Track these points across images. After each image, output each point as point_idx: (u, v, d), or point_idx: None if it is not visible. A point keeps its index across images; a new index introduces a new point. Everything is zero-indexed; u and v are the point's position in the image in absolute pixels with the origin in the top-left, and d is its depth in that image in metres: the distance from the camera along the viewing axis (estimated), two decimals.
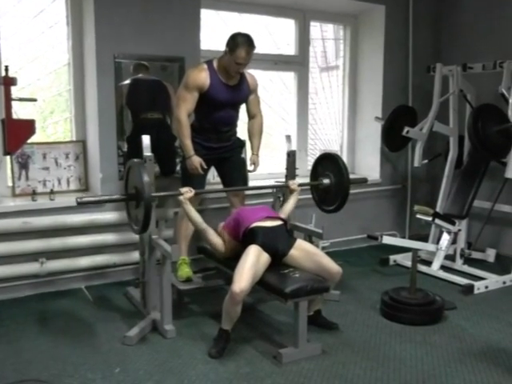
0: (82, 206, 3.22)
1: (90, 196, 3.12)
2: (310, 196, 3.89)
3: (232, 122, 3.76)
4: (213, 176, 4.31)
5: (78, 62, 4.06)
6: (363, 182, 4.14)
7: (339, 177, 3.61)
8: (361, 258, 4.88)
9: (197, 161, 3.56)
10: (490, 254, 4.69)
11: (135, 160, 3.12)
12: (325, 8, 5.01)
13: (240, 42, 3.45)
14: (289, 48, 5.03)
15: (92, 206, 3.92)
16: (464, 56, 4.85)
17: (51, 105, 4.24)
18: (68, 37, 4.04)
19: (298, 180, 3.84)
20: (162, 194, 3.34)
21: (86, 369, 2.80)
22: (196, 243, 3.79)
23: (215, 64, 3.60)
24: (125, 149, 4.04)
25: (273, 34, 4.90)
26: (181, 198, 3.21)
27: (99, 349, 3.03)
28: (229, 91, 3.62)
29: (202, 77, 3.54)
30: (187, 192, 3.22)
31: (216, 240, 3.28)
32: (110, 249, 4.02)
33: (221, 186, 3.95)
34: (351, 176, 3.66)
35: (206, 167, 3.63)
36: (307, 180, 3.91)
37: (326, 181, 3.69)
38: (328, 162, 3.72)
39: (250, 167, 3.88)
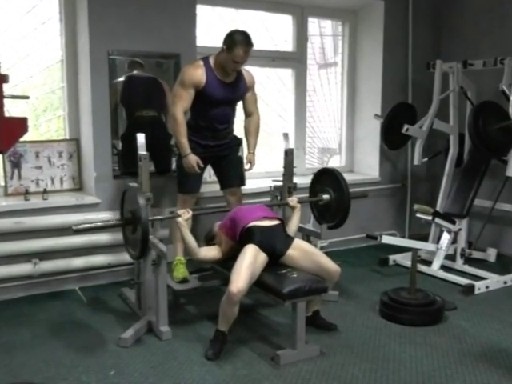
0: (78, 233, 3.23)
1: (86, 223, 3.12)
2: (307, 195, 3.90)
3: (229, 120, 3.76)
4: (209, 175, 4.31)
5: (71, 59, 4.05)
6: (363, 196, 4.14)
7: (339, 192, 3.62)
8: (360, 257, 4.88)
9: (193, 159, 3.56)
10: (491, 254, 4.69)
11: (131, 184, 3.12)
12: (323, 4, 5.01)
13: (238, 41, 3.44)
14: (286, 44, 5.03)
15: (86, 205, 3.92)
16: (464, 53, 4.85)
17: (44, 102, 4.23)
18: (61, 33, 4.03)
19: (296, 178, 3.84)
20: (159, 217, 3.36)
21: (80, 371, 2.80)
22: None
23: (211, 61, 3.59)
24: (119, 147, 4.04)
25: (270, 30, 4.90)
26: (179, 219, 3.20)
27: (93, 351, 3.02)
28: (225, 88, 3.62)
29: (198, 74, 3.53)
30: (184, 213, 3.21)
31: (210, 255, 3.28)
32: (105, 249, 4.01)
33: (217, 185, 3.95)
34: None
35: (202, 166, 3.63)
36: (305, 180, 3.92)
37: (326, 196, 3.70)
38: (327, 178, 3.73)
39: (246, 166, 3.87)
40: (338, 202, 3.65)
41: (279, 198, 3.93)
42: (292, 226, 3.47)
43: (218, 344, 2.97)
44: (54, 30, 4.02)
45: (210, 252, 3.30)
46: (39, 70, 4.10)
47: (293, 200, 3.58)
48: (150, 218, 3.04)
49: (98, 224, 3.20)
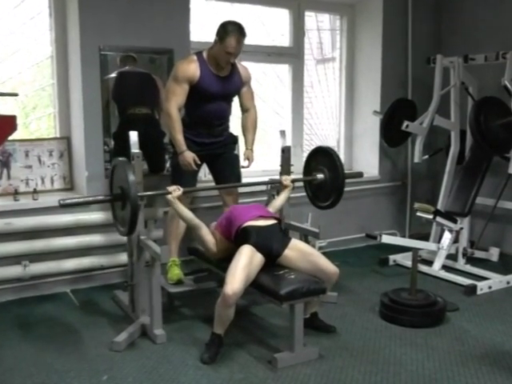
0: (65, 207, 3.23)
1: (74, 197, 3.11)
2: (304, 194, 3.90)
3: (224, 116, 3.76)
4: (204, 173, 4.31)
5: (61, 55, 4.04)
6: (359, 176, 4.15)
7: (334, 171, 3.62)
8: (359, 258, 4.88)
9: (190, 156, 3.55)
10: (494, 253, 4.70)
11: (120, 158, 3.12)
12: None
13: (230, 30, 3.45)
14: (283, 39, 5.03)
15: (77, 206, 3.90)
16: (465, 47, 4.85)
17: (34, 100, 4.22)
18: (51, 28, 4.02)
19: (293, 177, 3.84)
20: (148, 193, 3.32)
21: (72, 377, 2.79)
22: (187, 244, 3.78)
23: (205, 55, 3.60)
24: (111, 145, 4.03)
25: (266, 24, 4.90)
26: (169, 196, 3.21)
27: (85, 355, 3.02)
28: (220, 82, 3.62)
29: (191, 68, 3.54)
30: (175, 190, 3.22)
31: (208, 238, 3.27)
32: (97, 250, 4.00)
33: (213, 184, 3.95)
34: (347, 171, 3.66)
35: (199, 163, 3.62)
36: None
37: (320, 176, 3.69)
38: (322, 157, 3.73)
39: (244, 163, 3.87)
40: (332, 182, 3.65)
41: (276, 196, 3.92)
42: (276, 203, 3.53)
43: (213, 347, 2.96)
44: (44, 24, 4.01)
45: (211, 237, 3.28)
46: (28, 66, 4.08)
47: (286, 179, 3.62)
48: (139, 194, 3.04)
49: (87, 199, 3.23)
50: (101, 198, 3.26)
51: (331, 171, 3.65)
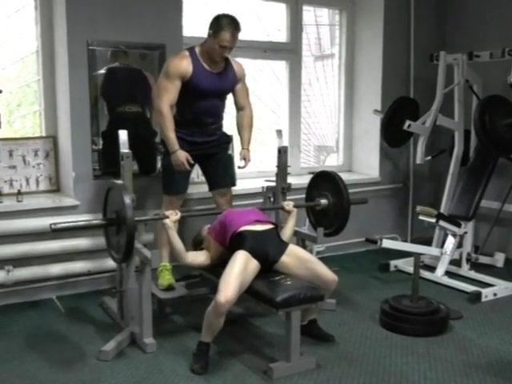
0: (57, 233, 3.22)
1: (65, 222, 3.11)
2: (303, 196, 3.90)
3: (217, 113, 3.76)
4: (197, 174, 4.31)
5: (47, 50, 4.03)
6: (363, 202, 4.14)
7: (338, 197, 3.63)
8: (359, 263, 4.89)
9: (183, 156, 3.55)
10: (499, 259, 4.71)
11: (115, 181, 3.12)
12: None
13: (224, 24, 3.46)
14: (280, 35, 5.03)
15: (64, 208, 3.90)
16: (470, 43, 4.87)
17: (18, 97, 4.21)
18: (36, 22, 4.01)
19: (290, 179, 3.85)
20: (146, 218, 3.36)
21: None
22: None
23: (197, 50, 3.61)
24: (100, 145, 4.02)
25: (262, 19, 4.90)
26: (167, 221, 3.19)
27: (72, 365, 3.00)
28: (213, 79, 3.62)
29: (183, 64, 3.54)
30: (173, 215, 3.20)
31: (199, 260, 3.28)
32: (84, 255, 3.99)
33: (205, 186, 3.95)
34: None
35: (192, 162, 3.62)
36: (300, 180, 3.93)
37: (324, 201, 3.70)
38: (325, 181, 3.74)
39: (240, 163, 3.87)
40: (336, 208, 3.66)
41: (272, 199, 3.93)
42: (287, 232, 3.47)
43: (204, 357, 2.96)
44: (29, 18, 4.00)
45: (199, 257, 3.30)
46: (13, 61, 4.08)
47: (289, 204, 3.57)
48: (136, 219, 3.03)
49: (80, 223, 3.20)
50: (95, 222, 3.25)
51: (335, 196, 3.66)
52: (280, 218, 3.81)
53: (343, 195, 3.60)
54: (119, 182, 3.13)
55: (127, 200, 2.93)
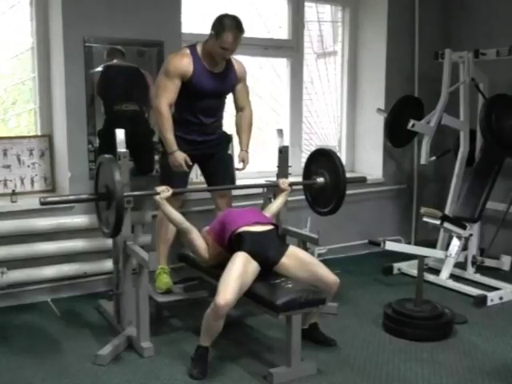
0: (46, 206, 3.23)
1: (56, 196, 3.12)
2: (302, 197, 3.90)
3: (217, 113, 3.76)
4: (196, 175, 4.31)
5: (43, 47, 4.03)
6: (362, 181, 4.16)
7: (335, 175, 3.62)
8: (361, 266, 4.89)
9: (181, 156, 3.55)
10: (505, 262, 4.71)
11: (106, 156, 3.13)
12: None
13: (227, 25, 3.46)
14: (281, 31, 5.03)
15: (59, 209, 3.90)
16: (476, 41, 4.86)
17: (13, 95, 4.21)
18: (31, 18, 4.01)
19: (291, 179, 3.85)
20: (135, 193, 3.33)
21: None
22: (177, 250, 3.78)
23: (199, 49, 3.60)
24: (96, 144, 4.03)
25: (263, 15, 4.90)
26: (157, 197, 3.21)
27: (67, 370, 3.01)
28: (214, 79, 3.62)
29: (184, 63, 3.54)
30: (164, 191, 3.21)
31: (199, 242, 3.27)
32: (80, 257, 3.99)
33: (205, 186, 3.95)
34: (349, 175, 3.67)
35: (191, 164, 3.62)
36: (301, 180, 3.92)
37: (321, 179, 3.70)
38: (322, 159, 3.73)
39: (238, 165, 3.88)
40: (333, 186, 3.66)
41: (272, 200, 3.93)
42: (273, 207, 3.54)
43: (202, 361, 2.96)
44: (24, 14, 4.00)
45: (202, 241, 3.28)
46: (7, 58, 4.08)
47: (284, 182, 3.62)
48: (125, 194, 3.05)
49: (70, 197, 3.23)
50: (85, 196, 3.29)
51: (332, 175, 3.66)
52: (280, 218, 3.81)
53: (340, 173, 3.59)
54: (109, 156, 3.13)
55: (117, 174, 2.94)
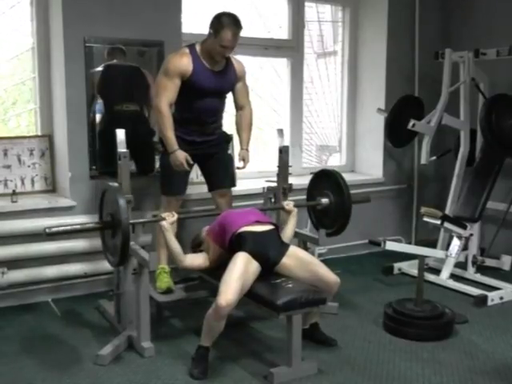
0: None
1: (60, 226, 3.13)
2: (305, 197, 3.91)
3: (217, 113, 3.77)
4: (196, 175, 4.31)
5: (43, 47, 4.04)
6: (366, 201, 4.15)
7: (339, 196, 3.63)
8: (362, 265, 4.90)
9: (182, 156, 3.55)
10: (506, 262, 4.71)
11: (110, 184, 3.13)
12: None
13: (225, 23, 3.46)
14: (281, 31, 5.04)
15: (59, 209, 3.91)
16: (476, 41, 4.86)
17: (13, 95, 4.22)
18: (32, 18, 4.02)
19: (291, 180, 3.86)
20: (141, 220, 3.40)
21: None
22: None
23: (198, 48, 3.61)
24: (97, 144, 4.02)
25: (263, 15, 4.91)
26: (163, 223, 3.19)
27: (68, 370, 3.01)
28: (214, 78, 3.63)
29: (184, 62, 3.55)
30: (169, 216, 3.21)
31: (197, 263, 3.29)
32: (80, 257, 4.00)
33: (205, 186, 3.95)
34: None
35: (191, 162, 3.63)
36: (302, 180, 3.93)
37: (325, 200, 3.71)
38: (327, 180, 3.75)
39: (239, 164, 3.88)
40: (337, 207, 3.66)
41: (273, 200, 3.94)
42: (287, 233, 3.47)
43: (203, 361, 2.96)
44: (24, 14, 4.00)
45: (197, 260, 3.30)
46: (7, 58, 4.09)
47: (289, 204, 3.58)
48: (131, 222, 3.03)
49: (75, 227, 3.20)
50: (90, 225, 3.24)
51: (336, 195, 3.66)
52: (281, 218, 3.82)
53: (344, 194, 3.60)
54: (114, 184, 3.14)
55: (122, 203, 2.93)
